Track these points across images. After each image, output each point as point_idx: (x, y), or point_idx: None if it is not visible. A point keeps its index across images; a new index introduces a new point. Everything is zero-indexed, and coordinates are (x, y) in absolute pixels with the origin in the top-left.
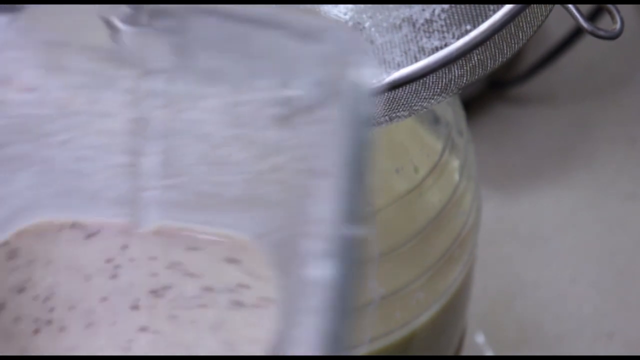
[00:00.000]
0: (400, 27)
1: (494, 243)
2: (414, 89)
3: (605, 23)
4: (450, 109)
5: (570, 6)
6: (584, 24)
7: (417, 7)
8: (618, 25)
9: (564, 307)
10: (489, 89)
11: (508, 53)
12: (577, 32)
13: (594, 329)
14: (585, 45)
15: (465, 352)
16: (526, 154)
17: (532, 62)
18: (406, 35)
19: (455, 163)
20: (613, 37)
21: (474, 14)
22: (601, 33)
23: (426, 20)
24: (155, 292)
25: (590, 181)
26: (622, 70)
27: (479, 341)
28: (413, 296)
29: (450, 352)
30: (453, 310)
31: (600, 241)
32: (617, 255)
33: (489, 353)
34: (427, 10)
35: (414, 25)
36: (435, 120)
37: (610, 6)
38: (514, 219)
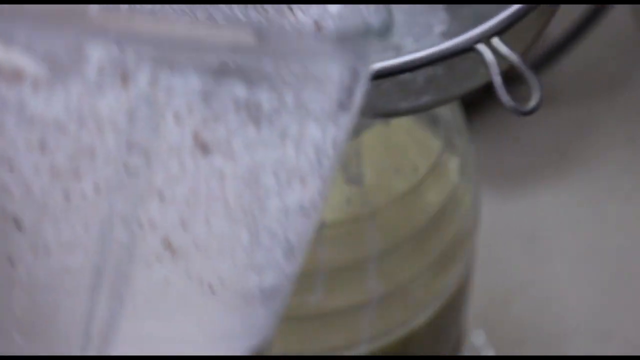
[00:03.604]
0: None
1: (494, 243)
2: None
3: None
4: (449, 109)
5: (497, 79)
6: (503, 98)
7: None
8: (533, 103)
9: (564, 307)
10: (488, 89)
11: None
12: (576, 33)
13: (594, 329)
14: (585, 46)
15: (465, 352)
16: (526, 154)
17: (532, 63)
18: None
19: (454, 163)
20: (526, 113)
21: None
22: (520, 109)
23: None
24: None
25: (589, 181)
26: (620, 71)
27: (478, 341)
28: (412, 295)
29: (449, 351)
30: (452, 310)
31: (599, 241)
32: (617, 255)
33: (489, 353)
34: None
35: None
36: (433, 120)
37: (531, 79)
38: (514, 219)
